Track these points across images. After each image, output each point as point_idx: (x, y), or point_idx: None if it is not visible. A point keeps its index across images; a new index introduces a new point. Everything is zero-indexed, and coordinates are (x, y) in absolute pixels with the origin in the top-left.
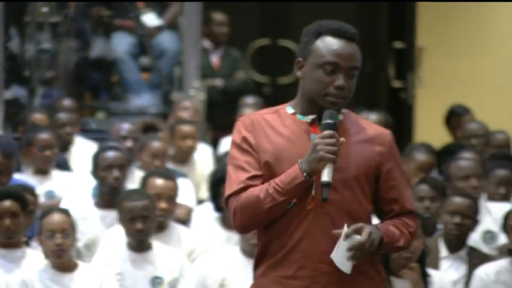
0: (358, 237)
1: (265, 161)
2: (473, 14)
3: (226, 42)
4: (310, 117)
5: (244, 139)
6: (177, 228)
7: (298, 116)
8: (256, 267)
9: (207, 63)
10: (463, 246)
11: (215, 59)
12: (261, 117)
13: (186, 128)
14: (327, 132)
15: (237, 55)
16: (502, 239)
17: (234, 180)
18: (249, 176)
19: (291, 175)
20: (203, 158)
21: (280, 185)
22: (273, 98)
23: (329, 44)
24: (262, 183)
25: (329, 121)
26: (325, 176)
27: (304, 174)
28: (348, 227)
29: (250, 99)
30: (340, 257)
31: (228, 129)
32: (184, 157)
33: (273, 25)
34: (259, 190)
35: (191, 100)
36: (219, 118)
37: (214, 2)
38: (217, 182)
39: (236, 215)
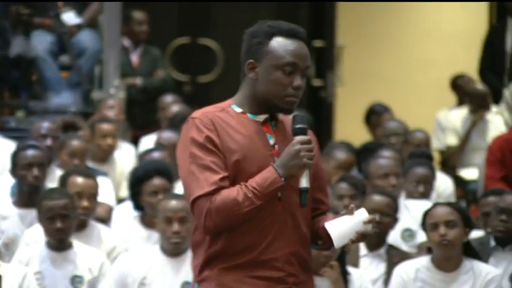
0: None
1: (236, 160)
2: (392, 14)
3: (146, 41)
4: (263, 116)
5: (209, 138)
6: (97, 226)
7: (249, 115)
8: (207, 266)
9: (127, 62)
10: (383, 244)
11: (135, 58)
12: (215, 116)
13: (105, 127)
14: (305, 137)
15: (157, 54)
16: (421, 237)
17: (204, 180)
18: (220, 177)
19: (269, 179)
20: (123, 156)
21: (258, 189)
22: (193, 96)
23: (285, 44)
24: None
25: (302, 126)
26: (305, 182)
27: (282, 179)
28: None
29: (169, 98)
30: (346, 233)
31: (148, 128)
32: (105, 156)
33: (192, 24)
34: (236, 193)
35: (115, 99)
36: (139, 117)
37: (133, 1)
38: (137, 180)
39: (210, 216)
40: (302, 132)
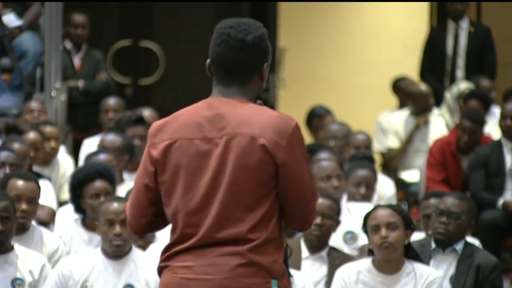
0: None
1: None
2: (333, 16)
3: (88, 44)
4: None
5: None
6: (38, 229)
7: None
8: (283, 261)
9: (69, 65)
10: (325, 246)
11: (77, 60)
12: None
13: (48, 129)
14: None
15: (99, 56)
16: (363, 240)
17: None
18: None
19: None
20: (65, 159)
21: None
22: (135, 99)
23: None
24: None
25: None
26: None
27: None
28: None
29: (112, 100)
30: None
31: (89, 131)
32: (48, 158)
33: (134, 26)
34: None
35: (37, 101)
36: (80, 119)
37: (74, 3)
38: (78, 183)
39: None
40: None
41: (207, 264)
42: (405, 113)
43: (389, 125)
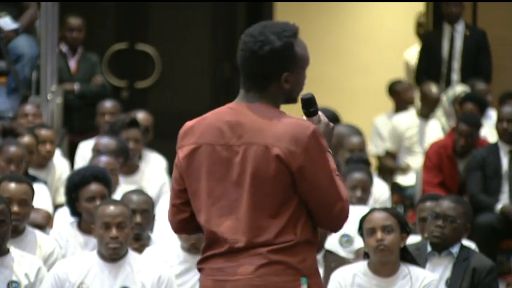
0: None
1: None
2: (330, 17)
3: (84, 47)
4: None
5: None
6: (33, 232)
7: None
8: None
9: (65, 68)
10: (321, 249)
11: (73, 64)
12: None
13: (44, 132)
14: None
15: (95, 59)
16: (359, 243)
17: (343, 187)
18: None
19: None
20: (61, 162)
21: None
22: (130, 102)
23: (302, 43)
24: None
25: (317, 108)
26: None
27: None
28: None
29: (108, 103)
30: None
31: (85, 134)
32: (43, 161)
33: (130, 29)
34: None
35: (32, 105)
36: (76, 122)
37: (70, 6)
38: (73, 186)
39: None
40: (316, 113)
41: (236, 265)
42: (412, 113)
43: (389, 127)
